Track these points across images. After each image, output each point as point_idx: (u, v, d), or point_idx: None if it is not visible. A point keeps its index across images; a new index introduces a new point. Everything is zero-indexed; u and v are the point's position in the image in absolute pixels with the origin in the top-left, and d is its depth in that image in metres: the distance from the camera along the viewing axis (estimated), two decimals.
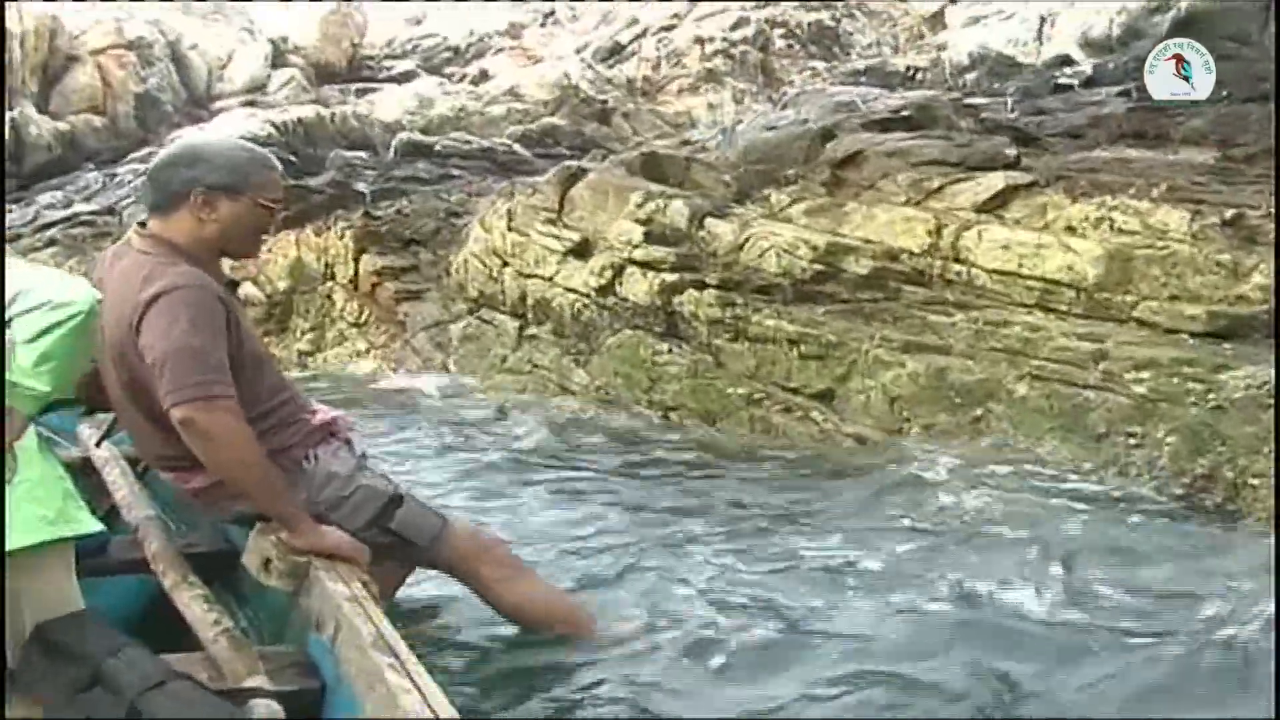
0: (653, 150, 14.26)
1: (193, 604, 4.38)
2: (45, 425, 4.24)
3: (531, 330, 12.75)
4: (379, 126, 27.73)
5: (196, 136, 6.00)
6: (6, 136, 27.46)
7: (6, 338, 3.77)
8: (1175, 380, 8.34)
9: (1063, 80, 18.42)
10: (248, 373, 4.80)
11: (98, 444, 5.87)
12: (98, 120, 29.99)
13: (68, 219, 22.59)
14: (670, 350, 11.02)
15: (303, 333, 15.73)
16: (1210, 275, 9.28)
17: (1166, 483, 7.89)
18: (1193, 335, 8.98)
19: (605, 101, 30.07)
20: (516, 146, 25.36)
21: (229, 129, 26.66)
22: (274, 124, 26.71)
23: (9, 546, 3.76)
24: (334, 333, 15.47)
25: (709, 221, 11.61)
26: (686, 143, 17.01)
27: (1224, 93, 14.50)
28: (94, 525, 4.11)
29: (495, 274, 13.38)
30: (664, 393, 10.82)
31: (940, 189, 10.98)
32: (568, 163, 15.28)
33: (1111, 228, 9.95)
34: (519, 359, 12.65)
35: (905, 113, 13.61)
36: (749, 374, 10.41)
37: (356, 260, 15.60)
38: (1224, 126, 13.53)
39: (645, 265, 11.52)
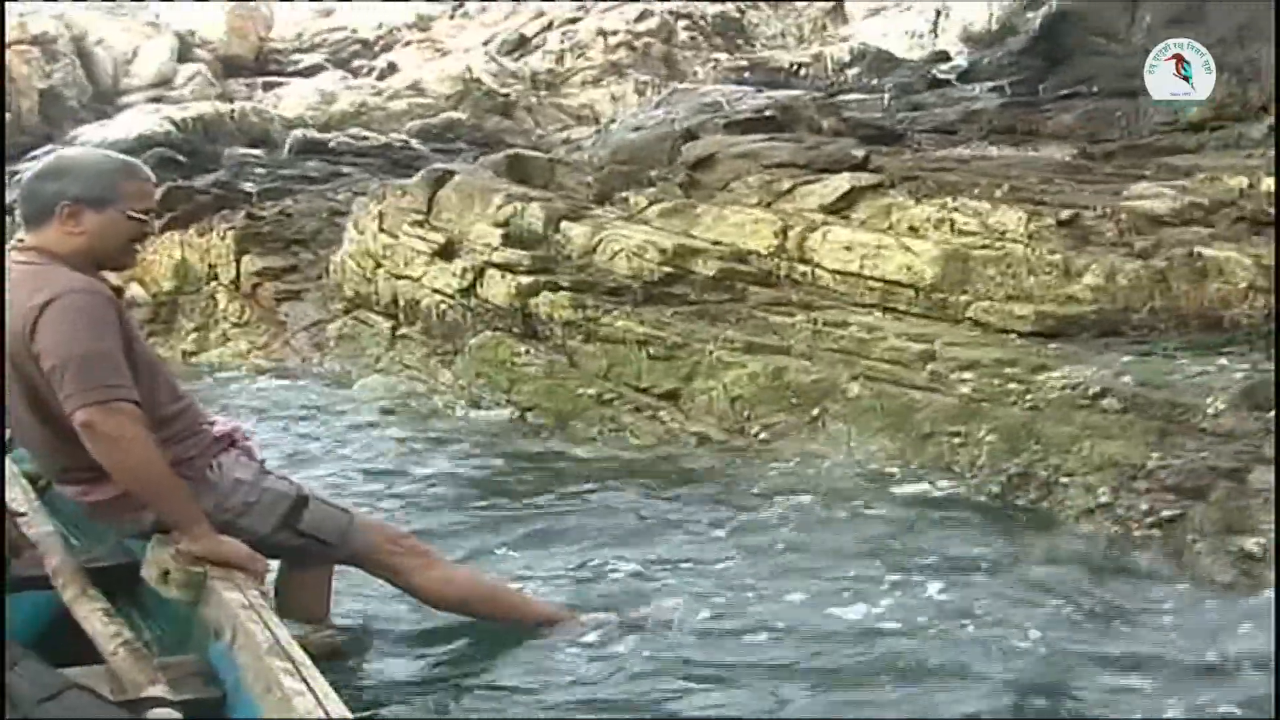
0: (518, 152, 14.45)
1: (92, 617, 4.37)
2: None
3: (403, 330, 12.90)
4: (279, 123, 27.67)
5: (67, 150, 5.92)
6: None
7: None
8: (997, 381, 8.56)
9: (940, 75, 18.67)
10: (143, 379, 4.79)
11: None
12: None
13: None
14: (528, 351, 11.15)
15: (188, 333, 15.86)
16: (1043, 275, 9.53)
17: (985, 481, 8.09)
18: (1021, 335, 9.22)
19: (508, 95, 30.11)
20: (414, 142, 25.40)
21: (131, 125, 26.69)
22: (174, 121, 26.60)
23: None
24: (217, 333, 15.61)
25: (564, 224, 11.80)
26: (568, 141, 17.18)
27: (1093, 88, 14.81)
28: None
29: (369, 275, 13.52)
30: (521, 393, 10.94)
31: (790, 190, 11.19)
32: (435, 165, 15.43)
33: (952, 228, 10.18)
34: (391, 359, 12.79)
35: (768, 113, 13.82)
36: (601, 374, 10.56)
37: (238, 261, 15.70)
38: (1092, 122, 13.86)
39: (504, 267, 11.70)
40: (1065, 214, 10.00)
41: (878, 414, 8.96)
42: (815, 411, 9.29)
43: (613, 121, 16.64)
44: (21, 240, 5.00)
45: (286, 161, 22.76)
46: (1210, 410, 7.53)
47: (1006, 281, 9.63)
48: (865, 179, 11.04)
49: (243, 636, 4.02)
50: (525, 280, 11.39)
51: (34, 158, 26.15)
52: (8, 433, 5.45)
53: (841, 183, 10.97)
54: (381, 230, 13.44)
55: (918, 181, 10.99)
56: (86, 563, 4.84)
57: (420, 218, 13.16)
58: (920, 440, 8.63)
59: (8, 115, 29.83)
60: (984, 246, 9.88)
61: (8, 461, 5.70)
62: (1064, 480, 7.74)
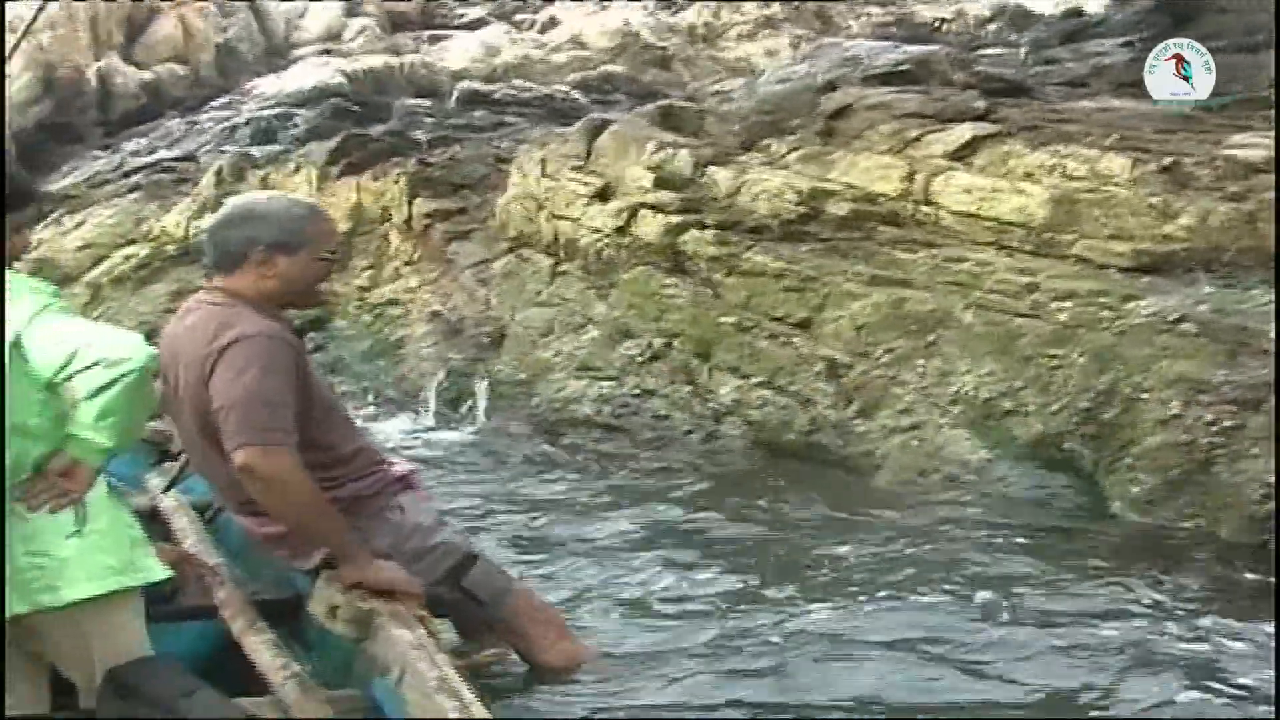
0: (670, 103, 15.44)
1: (261, 649, 4.56)
2: (115, 474, 4.46)
3: (563, 267, 13.89)
4: (446, 74, 28.57)
5: (250, 196, 6.20)
6: (94, 88, 28.77)
7: (68, 393, 4.05)
8: (1090, 309, 9.53)
9: (1074, 30, 19.38)
10: (318, 419, 5.02)
11: (164, 491, 6.08)
12: (180, 70, 30.86)
13: (151, 165, 23.33)
14: (675, 284, 12.20)
15: (362, 269, 16.82)
16: (1142, 216, 10.40)
17: (1075, 398, 9.10)
18: (1120, 270, 10.11)
19: (665, 48, 30.70)
20: (575, 94, 26.19)
21: (305, 76, 27.87)
22: (345, 73, 27.66)
23: (79, 595, 4.06)
24: (389, 270, 16.58)
25: (711, 169, 12.82)
26: (719, 93, 18.14)
27: (1218, 44, 15.47)
28: (162, 573, 4.35)
29: (532, 216, 14.51)
30: (668, 322, 12.02)
31: (918, 138, 12.08)
32: (594, 114, 16.44)
33: (1063, 174, 11.05)
34: (550, 294, 13.81)
35: (904, 67, 14.72)
36: (741, 305, 11.57)
37: (410, 204, 16.73)
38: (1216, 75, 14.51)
39: (655, 208, 12.70)
40: (1167, 160, 10.81)
41: (985, 339, 9.97)
42: (931, 338, 10.30)
43: (762, 74, 17.57)
44: (209, 282, 5.24)
45: (453, 112, 23.58)
46: (1273, 333, 8.46)
47: (1110, 222, 10.47)
48: (986, 129, 11.91)
49: (411, 675, 4.13)
50: (674, 220, 12.42)
51: (214, 109, 27.64)
52: (180, 461, 5.94)
53: (964, 132, 11.85)
54: (544, 175, 14.47)
55: (1036, 131, 11.85)
56: (252, 595, 5.06)
57: (579, 163, 14.20)
58: (1022, 361, 9.63)
59: (185, 69, 31.13)
60: (1091, 190, 10.74)
61: (174, 492, 6.05)
62: (1143, 395, 8.73)
